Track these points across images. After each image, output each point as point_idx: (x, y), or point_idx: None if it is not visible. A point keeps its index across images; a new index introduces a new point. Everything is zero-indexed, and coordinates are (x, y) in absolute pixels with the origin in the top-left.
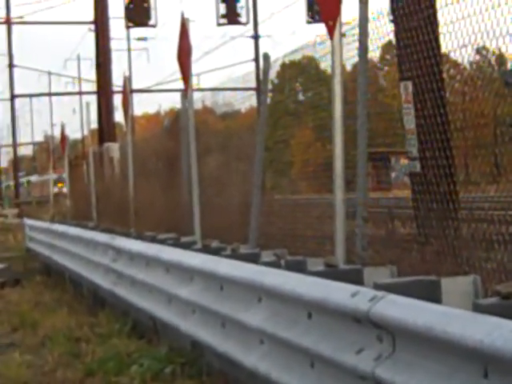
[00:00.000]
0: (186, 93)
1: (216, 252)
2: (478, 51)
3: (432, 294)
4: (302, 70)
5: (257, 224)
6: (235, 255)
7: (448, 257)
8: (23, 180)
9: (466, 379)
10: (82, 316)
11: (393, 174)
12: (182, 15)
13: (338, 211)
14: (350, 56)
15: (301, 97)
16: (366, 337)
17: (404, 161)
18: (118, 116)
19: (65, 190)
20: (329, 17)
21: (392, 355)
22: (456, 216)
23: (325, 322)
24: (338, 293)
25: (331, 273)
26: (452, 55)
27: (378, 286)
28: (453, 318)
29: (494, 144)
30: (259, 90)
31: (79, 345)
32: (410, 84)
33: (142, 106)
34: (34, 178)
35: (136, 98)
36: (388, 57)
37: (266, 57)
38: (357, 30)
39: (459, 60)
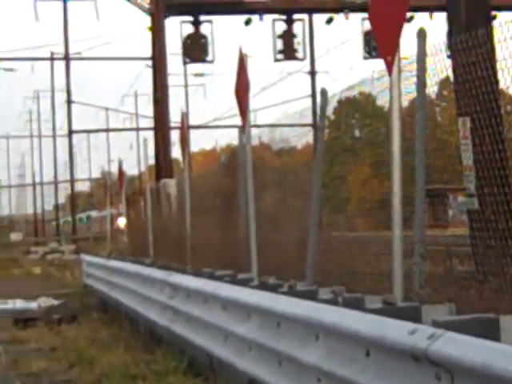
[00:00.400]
0: (243, 129)
1: (273, 289)
2: None
3: (491, 332)
4: (359, 106)
5: (314, 261)
6: (292, 292)
7: (506, 294)
8: (82, 216)
9: None
10: (139, 353)
11: (450, 211)
12: (240, 50)
13: (395, 248)
14: (408, 92)
15: (357, 133)
16: (425, 375)
17: (462, 198)
18: (175, 152)
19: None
20: (387, 52)
21: None
22: None
23: (382, 360)
24: (396, 330)
25: (389, 310)
26: (510, 90)
27: (436, 324)
28: None
29: None
30: (316, 126)
31: (135, 382)
32: (467, 120)
33: (199, 142)
34: (93, 214)
35: (193, 134)
36: (445, 92)
37: (324, 92)
38: (414, 66)
39: None
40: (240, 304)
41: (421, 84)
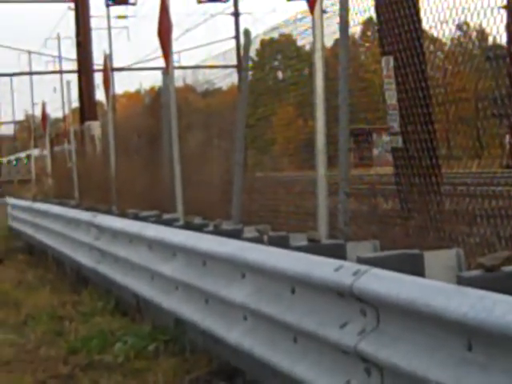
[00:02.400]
0: (167, 71)
1: (198, 228)
2: (458, 27)
3: (415, 268)
4: (281, 47)
5: (239, 201)
6: (218, 231)
7: (431, 231)
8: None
9: (450, 352)
10: (65, 294)
11: (375, 151)
12: None
13: (320, 187)
14: (331, 32)
15: (280, 74)
16: (350, 311)
17: (386, 137)
18: (99, 94)
19: None
20: None
21: (376, 329)
22: (439, 190)
23: (308, 297)
24: (322, 267)
25: (314, 248)
26: (433, 31)
27: (361, 260)
28: (436, 291)
29: (475, 119)
30: (240, 67)
31: (62, 323)
32: (391, 58)
33: (123, 84)
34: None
35: (117, 77)
36: (369, 33)
37: (247, 33)
38: (337, 7)
39: (440, 36)
40: (165, 244)
41: (343, 23)
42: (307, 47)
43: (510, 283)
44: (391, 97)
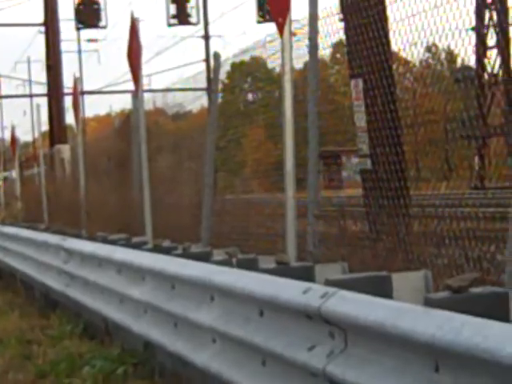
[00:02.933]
0: (136, 94)
1: (167, 251)
2: (427, 49)
3: (383, 290)
4: (251, 70)
5: (209, 223)
6: (186, 254)
7: (399, 253)
8: None
9: (417, 373)
10: (34, 318)
11: (344, 173)
12: (132, 15)
13: (288, 209)
14: (300, 55)
15: (250, 96)
16: (318, 333)
17: (355, 159)
18: (69, 118)
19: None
20: (279, 14)
21: (344, 351)
22: (407, 212)
23: (276, 319)
24: (290, 290)
25: (282, 270)
26: (402, 53)
27: (329, 283)
28: (404, 312)
29: (444, 141)
30: (210, 90)
31: (31, 347)
32: (360, 81)
33: (93, 107)
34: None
35: (87, 100)
36: (338, 55)
37: (217, 56)
38: (307, 29)
39: (409, 57)
40: (134, 267)
41: (312, 46)
42: (277, 69)
43: (478, 305)
44: (360, 119)
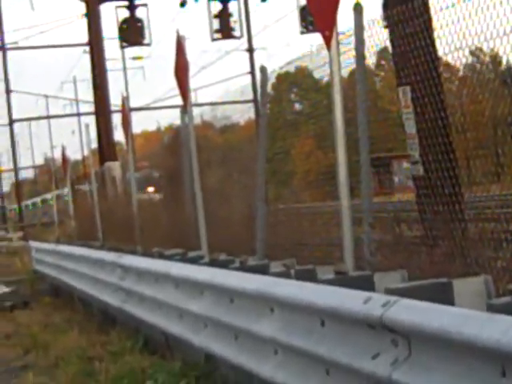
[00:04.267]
0: (185, 109)
1: (224, 265)
2: (472, 53)
3: (444, 297)
4: (298, 81)
5: (263, 235)
6: (244, 267)
7: (457, 258)
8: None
9: (484, 379)
10: (94, 335)
11: (395, 178)
12: (178, 32)
13: (344, 218)
14: (345, 62)
15: (298, 107)
16: (381, 342)
17: (406, 164)
18: (118, 135)
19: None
20: (325, 27)
21: (408, 359)
22: (463, 217)
23: (338, 329)
24: (350, 300)
25: (342, 280)
26: (449, 58)
27: (389, 291)
28: (467, 318)
29: (494, 143)
30: (256, 101)
31: (92, 364)
32: (408, 89)
33: (140, 124)
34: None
35: (134, 117)
36: (383, 62)
37: (263, 69)
38: (351, 38)
39: (455, 63)
40: (192, 282)
41: (359, 57)
42: (325, 79)
43: None
44: (410, 126)
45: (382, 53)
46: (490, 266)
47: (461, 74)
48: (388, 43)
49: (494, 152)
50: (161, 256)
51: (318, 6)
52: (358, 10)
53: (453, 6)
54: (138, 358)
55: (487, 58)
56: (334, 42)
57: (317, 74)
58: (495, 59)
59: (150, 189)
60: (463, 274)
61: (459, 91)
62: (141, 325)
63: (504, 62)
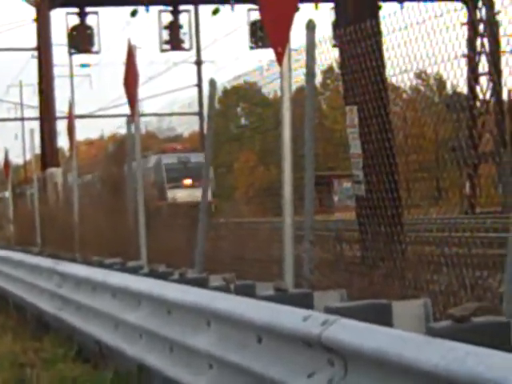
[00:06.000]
0: (132, 119)
1: (163, 276)
2: (418, 75)
3: (383, 318)
4: (245, 96)
5: (203, 248)
6: (183, 280)
7: (397, 279)
8: None
9: None
10: (27, 341)
11: (335, 197)
12: (129, 42)
13: (286, 235)
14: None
15: (243, 121)
16: (318, 361)
17: (346, 184)
18: (61, 141)
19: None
20: (278, 43)
21: (344, 379)
22: (404, 239)
23: (275, 346)
24: (289, 317)
25: (281, 297)
26: (394, 80)
27: (329, 310)
28: (406, 341)
29: (435, 167)
30: (201, 114)
31: (24, 370)
32: (355, 108)
33: (84, 131)
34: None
35: (78, 124)
36: (329, 82)
37: (212, 82)
38: (299, 57)
39: (401, 85)
40: (130, 292)
41: (310, 75)
42: (270, 96)
43: (480, 334)
44: (356, 146)
45: (327, 72)
46: (429, 289)
47: (405, 96)
48: (334, 63)
49: (434, 175)
50: (100, 265)
51: (272, 22)
52: (310, 27)
53: (406, 28)
54: (70, 367)
55: (432, 81)
56: (286, 59)
57: (265, 89)
58: (440, 83)
59: (187, 181)
60: (403, 296)
61: (403, 113)
62: (75, 333)
63: (448, 86)
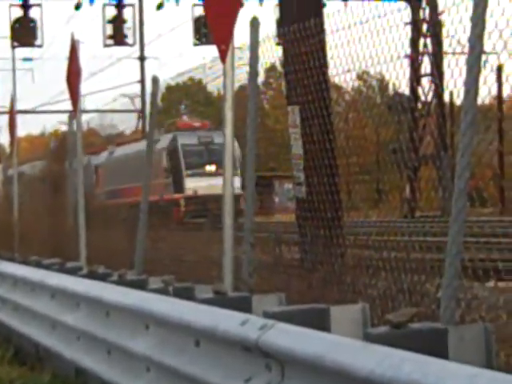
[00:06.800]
0: (74, 115)
1: (102, 278)
2: (359, 76)
3: (321, 323)
4: (189, 93)
5: (143, 249)
6: (122, 281)
7: (334, 283)
8: None
9: None
10: None
11: (276, 199)
12: (73, 37)
13: (226, 237)
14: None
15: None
16: (255, 365)
17: (288, 185)
18: (1, 138)
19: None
20: (221, 41)
21: None
22: (343, 241)
23: (213, 351)
24: (227, 321)
25: (220, 300)
26: (337, 80)
27: (267, 315)
28: (343, 347)
29: (376, 169)
30: (143, 111)
31: None
32: (297, 108)
33: (25, 127)
34: None
35: (20, 119)
36: (271, 81)
37: (155, 79)
38: (243, 55)
39: (344, 85)
40: (69, 293)
41: (253, 73)
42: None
43: (417, 340)
44: (297, 147)
45: (269, 71)
46: (367, 294)
47: (347, 97)
48: (277, 61)
49: (375, 178)
50: (38, 265)
51: (216, 18)
52: (254, 24)
53: (349, 27)
54: (6, 369)
55: (374, 82)
56: (229, 57)
57: (210, 87)
58: (382, 84)
59: (210, 167)
60: (341, 301)
61: (345, 114)
62: (13, 334)
63: (390, 87)
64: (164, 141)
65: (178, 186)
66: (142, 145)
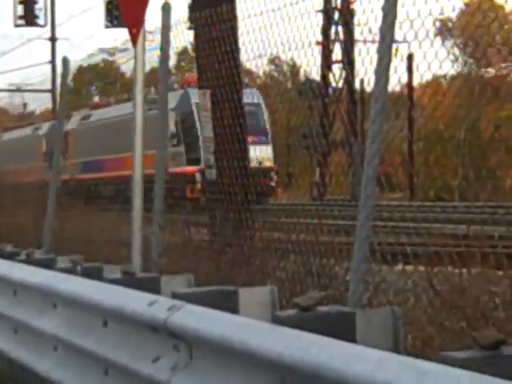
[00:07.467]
0: None
1: (10, 257)
2: (271, 61)
3: (230, 304)
4: (100, 74)
5: (51, 227)
6: (30, 260)
7: (244, 266)
8: None
9: None
10: None
11: None
12: None
13: (135, 219)
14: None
15: (97, 99)
16: (163, 346)
17: None
18: None
19: None
20: (132, 24)
21: (189, 365)
22: (252, 224)
23: (121, 331)
24: (135, 302)
25: (128, 281)
26: (248, 65)
27: (175, 296)
28: (251, 329)
29: (286, 153)
30: (54, 92)
31: None
32: (208, 92)
33: None
34: None
35: None
36: (183, 64)
37: (65, 61)
38: (154, 37)
39: (256, 70)
40: None
41: (164, 58)
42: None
43: (325, 323)
44: (207, 130)
45: (181, 54)
46: (276, 276)
47: (259, 82)
48: (189, 45)
49: (285, 162)
50: None
51: (128, 3)
52: (166, 9)
53: (261, 14)
54: None
55: (285, 68)
56: (140, 40)
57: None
58: (293, 70)
59: None
60: (249, 283)
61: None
62: None
63: (302, 73)
64: (170, 100)
65: (193, 157)
66: (128, 106)
